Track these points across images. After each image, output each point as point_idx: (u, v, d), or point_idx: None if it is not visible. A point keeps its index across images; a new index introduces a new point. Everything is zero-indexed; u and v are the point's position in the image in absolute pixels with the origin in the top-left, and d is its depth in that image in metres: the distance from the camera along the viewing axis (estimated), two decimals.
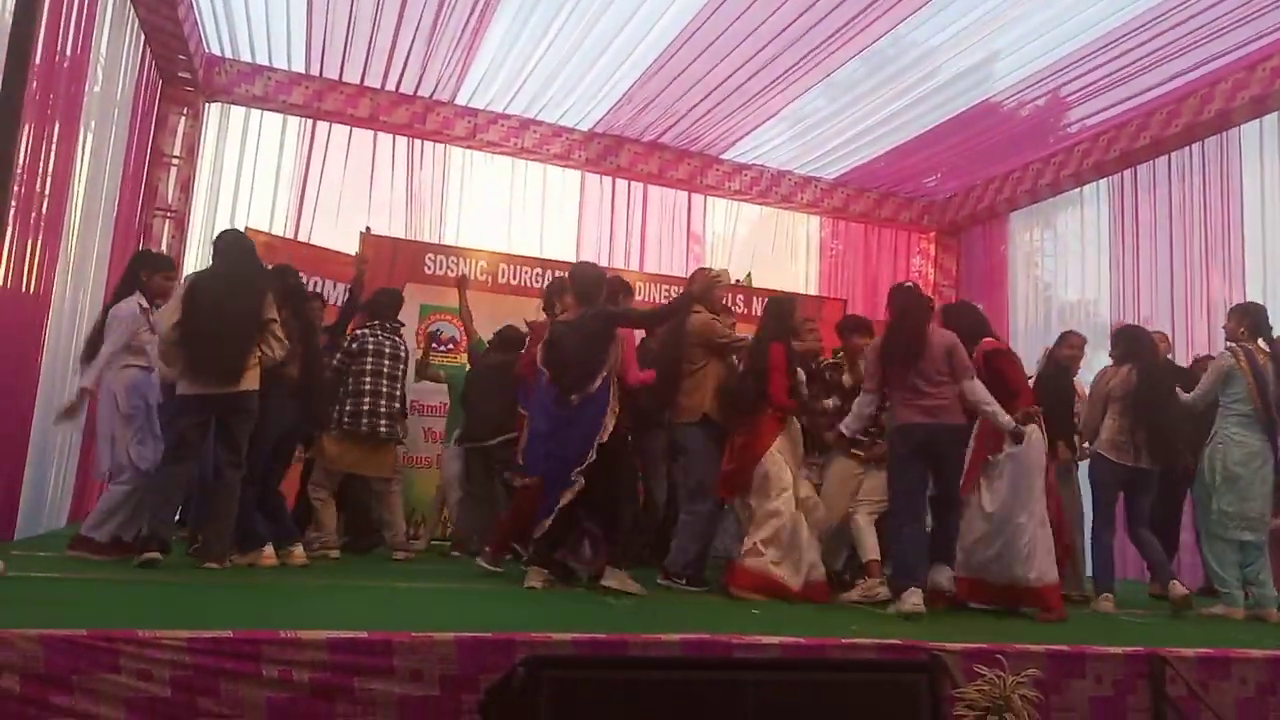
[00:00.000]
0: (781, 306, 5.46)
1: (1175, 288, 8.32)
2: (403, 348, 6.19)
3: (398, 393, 6.10)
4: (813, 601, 4.85)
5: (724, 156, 10.09)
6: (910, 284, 5.30)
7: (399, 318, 6.34)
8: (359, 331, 6.13)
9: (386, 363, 6.02)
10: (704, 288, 5.23)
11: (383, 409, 5.92)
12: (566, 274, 5.45)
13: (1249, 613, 5.42)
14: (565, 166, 9.83)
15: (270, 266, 5.55)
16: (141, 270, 5.28)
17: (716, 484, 5.21)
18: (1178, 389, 5.82)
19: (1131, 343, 5.75)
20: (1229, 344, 5.68)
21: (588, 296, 4.98)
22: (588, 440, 4.65)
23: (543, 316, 5.92)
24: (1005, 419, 4.79)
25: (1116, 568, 5.82)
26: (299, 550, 5.19)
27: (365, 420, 5.85)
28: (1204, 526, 5.69)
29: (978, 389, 4.79)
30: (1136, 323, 7.12)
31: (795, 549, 4.96)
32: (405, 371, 6.25)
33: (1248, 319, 5.67)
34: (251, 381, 4.82)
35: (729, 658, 3.17)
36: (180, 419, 4.79)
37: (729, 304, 8.20)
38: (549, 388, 4.79)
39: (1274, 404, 5.47)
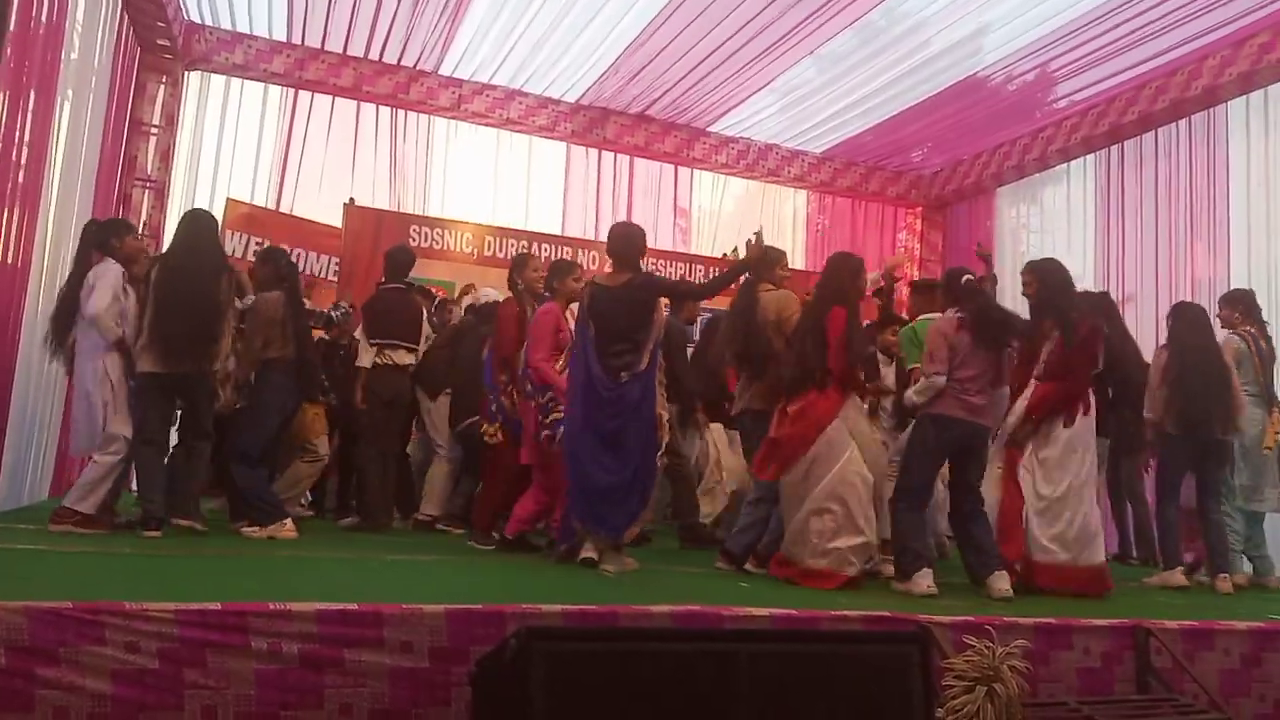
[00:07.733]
0: (848, 263, 4.94)
1: (1160, 263, 8.33)
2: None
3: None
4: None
5: (711, 129, 10.00)
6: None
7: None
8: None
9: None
10: (760, 257, 4.81)
11: None
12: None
13: (1251, 581, 5.69)
14: (551, 138, 9.72)
15: (262, 248, 5.66)
16: (112, 237, 5.15)
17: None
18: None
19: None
20: (1235, 331, 5.86)
21: (622, 258, 4.69)
22: (646, 432, 4.46)
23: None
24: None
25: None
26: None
27: None
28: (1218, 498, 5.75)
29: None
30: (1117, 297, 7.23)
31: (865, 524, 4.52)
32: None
33: (1240, 305, 5.96)
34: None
35: (722, 629, 3.18)
36: (144, 396, 4.97)
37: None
38: (595, 352, 4.48)
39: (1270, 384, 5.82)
